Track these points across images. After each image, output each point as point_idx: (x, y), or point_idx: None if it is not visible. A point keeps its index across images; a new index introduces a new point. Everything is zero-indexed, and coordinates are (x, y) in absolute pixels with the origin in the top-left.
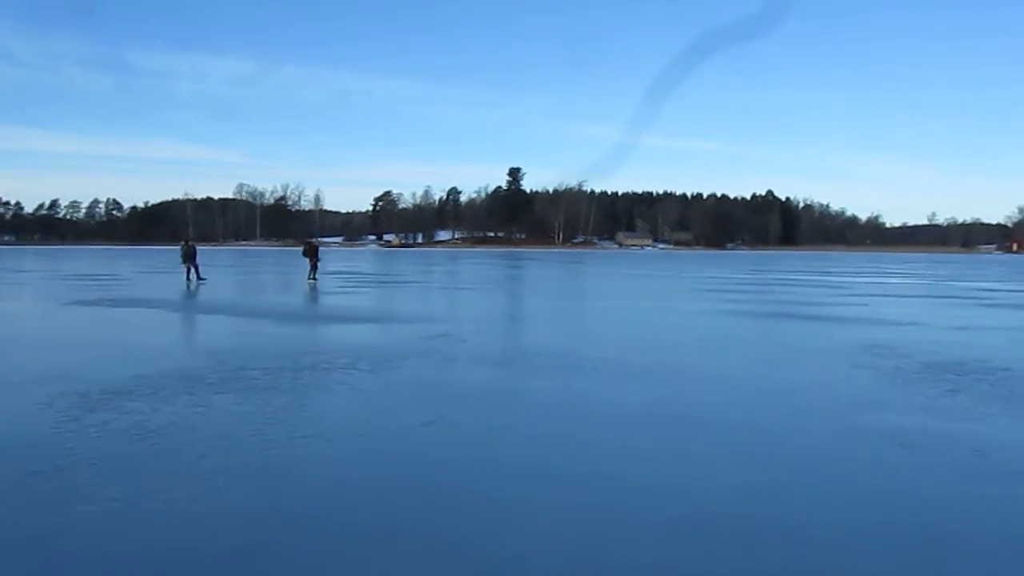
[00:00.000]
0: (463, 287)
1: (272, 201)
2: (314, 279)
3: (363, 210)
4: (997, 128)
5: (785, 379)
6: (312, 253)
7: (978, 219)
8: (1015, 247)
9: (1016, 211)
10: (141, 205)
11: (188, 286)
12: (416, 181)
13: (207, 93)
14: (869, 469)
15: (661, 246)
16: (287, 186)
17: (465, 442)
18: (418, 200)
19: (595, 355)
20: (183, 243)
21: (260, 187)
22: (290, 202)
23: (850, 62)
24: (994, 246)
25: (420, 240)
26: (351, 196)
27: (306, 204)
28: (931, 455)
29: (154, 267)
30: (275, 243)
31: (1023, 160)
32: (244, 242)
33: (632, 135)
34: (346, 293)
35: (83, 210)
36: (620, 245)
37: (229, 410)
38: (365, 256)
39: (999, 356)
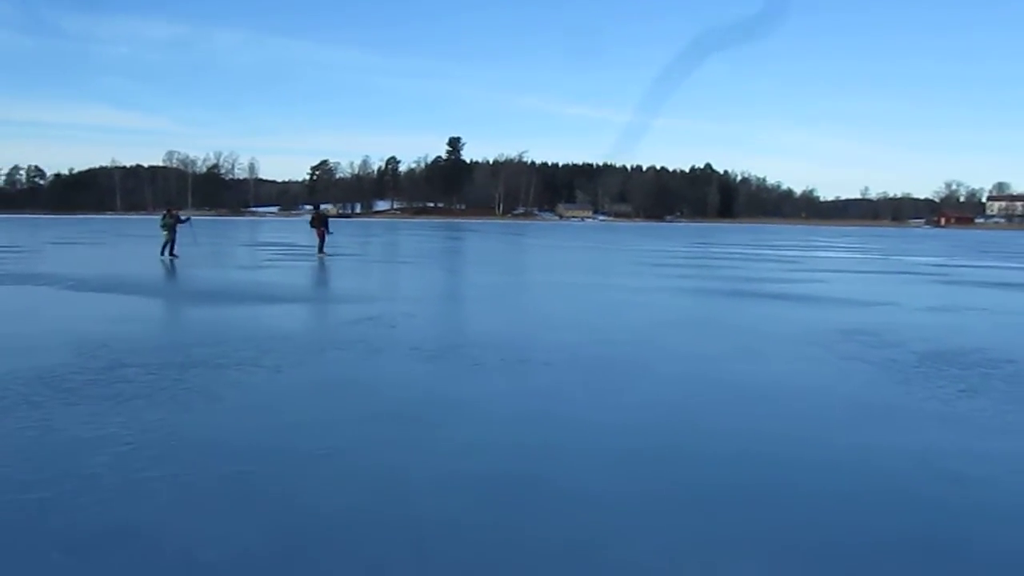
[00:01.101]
0: (399, 260)
1: (204, 169)
2: (323, 253)
3: (300, 179)
4: (925, 103)
5: (771, 378)
6: (321, 223)
7: (908, 193)
8: (943, 221)
9: (943, 186)
10: (65, 172)
11: (165, 261)
12: (354, 150)
13: (136, 58)
14: (933, 528)
15: (601, 218)
16: (220, 154)
17: (364, 491)
18: (356, 170)
19: (544, 344)
20: (166, 212)
21: (192, 155)
22: (223, 170)
23: (783, 36)
24: (923, 220)
25: (358, 210)
26: (287, 165)
27: (240, 173)
28: (991, 492)
29: (68, 237)
30: (208, 212)
31: (950, 136)
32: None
33: (643, 117)
34: (272, 267)
35: (2, 177)
36: (561, 217)
37: (73, 434)
38: (301, 226)
39: (993, 344)
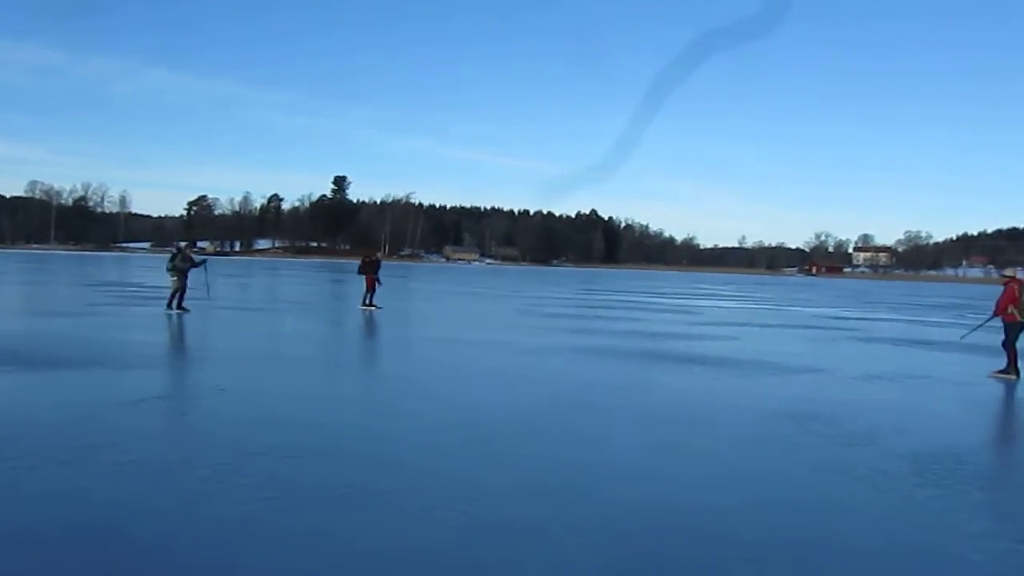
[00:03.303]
0: (256, 307)
1: (71, 202)
2: (371, 305)
3: (176, 215)
4: (797, 159)
5: (736, 514)
6: (371, 269)
7: (782, 243)
8: (814, 270)
9: (814, 237)
10: None
11: (172, 317)
12: (235, 187)
13: (2, 82)
14: None
15: (488, 261)
16: (88, 185)
17: None
18: (236, 206)
19: (414, 449)
20: (176, 251)
21: (57, 186)
22: (91, 203)
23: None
24: (796, 269)
25: (238, 248)
26: (163, 200)
27: (110, 206)
28: None
29: None
30: (72, 247)
31: (819, 190)
32: (36, 245)
33: (621, 152)
34: (93, 315)
35: None
36: (447, 259)
37: None
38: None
39: (984, 436)
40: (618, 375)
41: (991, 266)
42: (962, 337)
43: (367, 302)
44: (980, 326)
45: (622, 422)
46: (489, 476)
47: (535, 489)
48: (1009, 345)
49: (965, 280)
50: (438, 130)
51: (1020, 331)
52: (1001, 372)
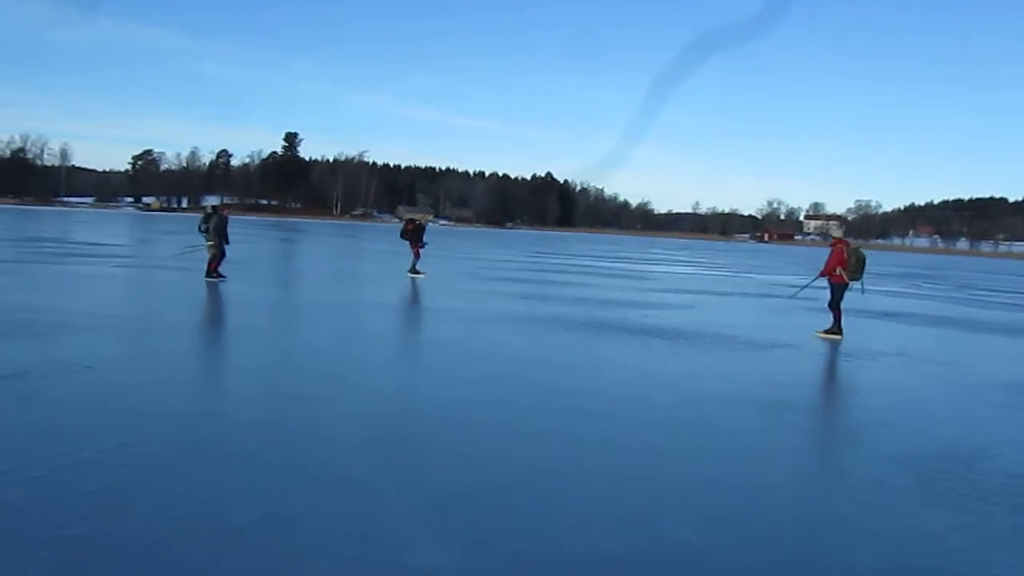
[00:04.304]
0: (184, 266)
1: (8, 153)
2: (417, 272)
3: (121, 169)
4: (748, 123)
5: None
6: (416, 236)
7: (736, 209)
8: (766, 237)
9: (766, 204)
10: None
11: (211, 281)
12: (182, 141)
13: None
14: None
15: (442, 222)
16: (27, 137)
17: None
18: (184, 162)
19: (293, 455)
20: (210, 209)
21: None
22: (31, 155)
23: (622, 54)
24: (748, 235)
25: (185, 205)
26: (107, 153)
27: (51, 159)
28: None
29: None
30: (11, 200)
31: (772, 159)
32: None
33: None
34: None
35: None
36: (401, 219)
37: None
38: (108, 220)
39: (983, 432)
40: (566, 351)
41: (937, 236)
42: (791, 296)
43: (414, 269)
44: (807, 286)
45: (566, 417)
46: (395, 499)
47: (457, 521)
48: (834, 305)
49: (912, 250)
50: (394, 86)
51: (845, 291)
52: (827, 332)
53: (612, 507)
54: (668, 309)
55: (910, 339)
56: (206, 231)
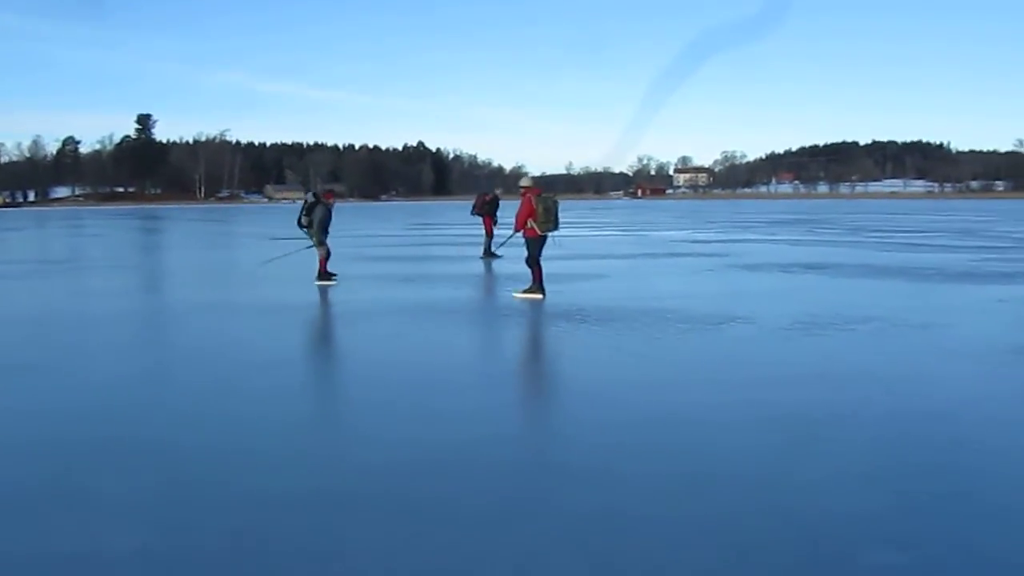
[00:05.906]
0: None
1: None
2: (492, 254)
3: None
4: (615, 84)
5: None
6: (490, 210)
7: (607, 168)
8: (639, 193)
9: (636, 160)
10: None
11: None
12: (22, 130)
13: None
14: None
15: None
16: None
17: None
18: (26, 152)
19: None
20: (313, 195)
21: None
22: None
23: (483, 24)
24: (621, 192)
25: (32, 198)
26: None
27: None
28: None
29: None
30: None
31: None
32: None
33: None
34: None
35: None
36: (270, 199)
37: None
38: None
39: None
40: (467, 351)
41: (798, 181)
42: (496, 248)
43: (489, 251)
44: (504, 243)
45: (479, 446)
46: None
47: None
48: (533, 262)
49: (777, 196)
50: (252, 62)
51: (543, 246)
52: (525, 292)
53: None
54: (579, 281)
55: (863, 296)
56: (308, 225)
